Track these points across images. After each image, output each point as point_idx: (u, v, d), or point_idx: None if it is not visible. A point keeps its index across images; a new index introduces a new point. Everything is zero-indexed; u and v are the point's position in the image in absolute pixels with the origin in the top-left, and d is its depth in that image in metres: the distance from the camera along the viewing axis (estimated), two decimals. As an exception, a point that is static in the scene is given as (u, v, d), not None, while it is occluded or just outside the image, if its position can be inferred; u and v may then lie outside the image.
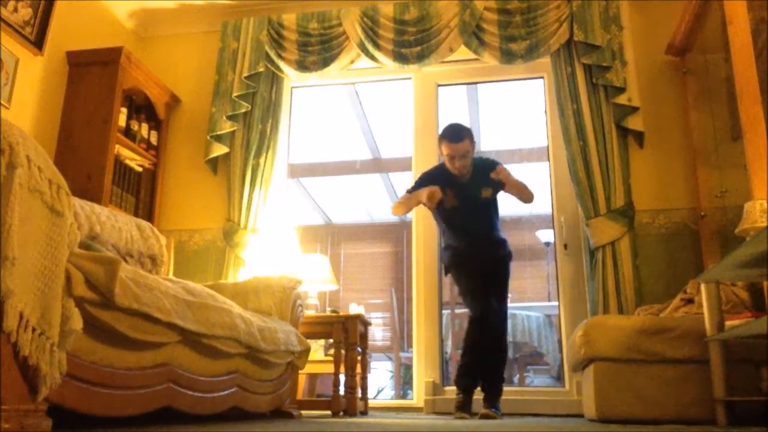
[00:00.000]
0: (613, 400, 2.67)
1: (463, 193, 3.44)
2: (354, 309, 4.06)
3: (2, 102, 3.37)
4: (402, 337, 6.25)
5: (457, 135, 3.32)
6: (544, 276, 7.84)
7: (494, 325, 3.34)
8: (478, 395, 3.37)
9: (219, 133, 4.20)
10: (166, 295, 1.86)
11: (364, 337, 3.77)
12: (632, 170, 3.81)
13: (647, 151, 3.86)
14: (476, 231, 3.49)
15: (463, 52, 4.11)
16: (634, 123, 3.78)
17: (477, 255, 3.45)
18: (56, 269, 1.43)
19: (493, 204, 3.51)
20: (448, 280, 5.54)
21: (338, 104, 5.74)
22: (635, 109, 3.77)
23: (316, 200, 7.98)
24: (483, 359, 3.36)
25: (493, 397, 3.33)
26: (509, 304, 6.60)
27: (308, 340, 3.15)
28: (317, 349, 3.81)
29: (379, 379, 6.56)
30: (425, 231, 4.19)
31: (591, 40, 3.86)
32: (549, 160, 4.19)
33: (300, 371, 3.25)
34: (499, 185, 3.37)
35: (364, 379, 3.73)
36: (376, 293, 7.32)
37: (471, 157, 3.39)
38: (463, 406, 3.29)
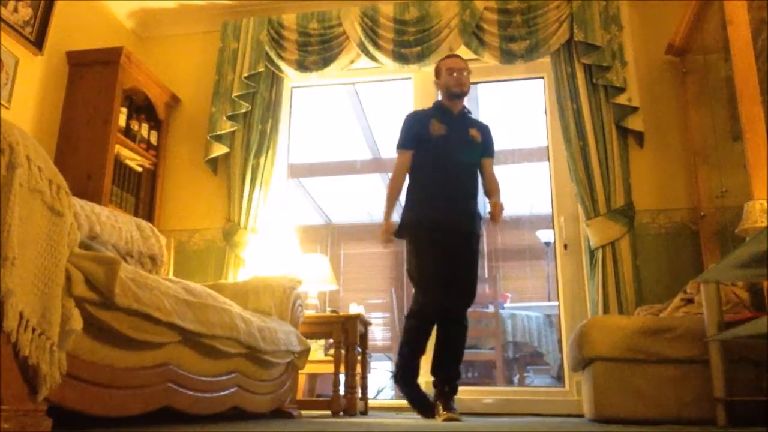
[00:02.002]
0: (612, 400, 2.67)
1: (452, 123, 3.27)
2: (354, 309, 4.06)
3: (2, 102, 3.37)
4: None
5: (456, 54, 3.48)
6: (544, 276, 7.83)
7: (454, 331, 3.07)
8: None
9: (219, 133, 4.20)
10: (166, 295, 1.86)
11: (364, 337, 3.78)
12: (632, 170, 3.81)
13: (647, 151, 3.86)
14: (458, 181, 3.18)
15: (463, 52, 4.09)
16: (634, 123, 3.79)
17: (453, 216, 3.12)
18: (56, 269, 1.43)
19: (478, 159, 3.30)
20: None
21: (338, 104, 5.74)
22: (635, 109, 3.77)
23: (316, 200, 7.98)
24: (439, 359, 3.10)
25: (452, 395, 3.06)
26: (509, 304, 6.63)
27: (308, 340, 3.15)
28: (317, 349, 3.81)
29: (379, 379, 6.56)
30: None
31: (591, 40, 3.86)
32: (549, 160, 4.19)
33: (300, 371, 3.25)
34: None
35: (364, 379, 3.74)
36: (376, 293, 7.31)
37: (469, 81, 3.33)
38: (429, 406, 3.04)
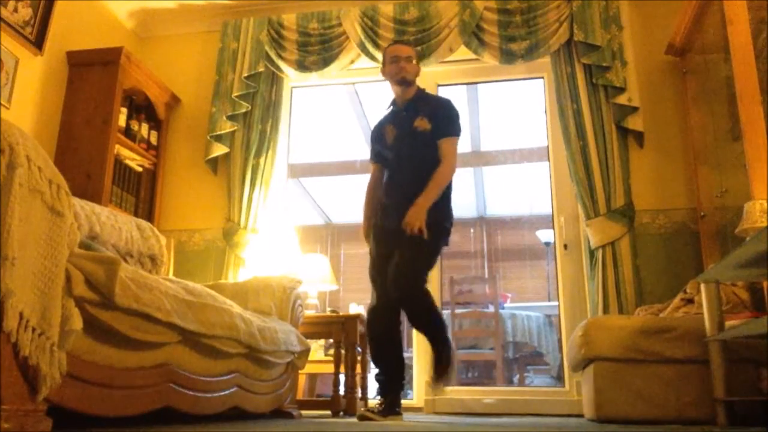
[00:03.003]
0: (613, 400, 2.67)
1: (400, 122, 3.08)
2: (354, 309, 4.07)
3: (2, 102, 3.37)
4: (402, 337, 6.23)
5: (401, 40, 3.42)
6: (544, 276, 7.83)
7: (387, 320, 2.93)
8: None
9: (219, 133, 4.20)
10: (166, 295, 1.86)
11: (364, 337, 3.77)
12: (632, 170, 3.81)
13: (647, 151, 3.86)
14: (398, 174, 3.02)
15: (463, 52, 4.11)
16: (634, 123, 3.78)
17: (387, 212, 2.98)
18: (56, 269, 1.43)
19: (431, 148, 2.96)
20: (448, 281, 5.57)
21: (338, 104, 5.74)
22: (635, 109, 3.77)
23: (316, 200, 7.98)
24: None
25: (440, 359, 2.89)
26: (509, 304, 6.62)
27: (308, 340, 3.15)
28: (317, 349, 3.81)
29: (379, 379, 6.54)
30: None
31: (591, 40, 3.86)
32: (549, 160, 4.19)
33: (300, 371, 3.26)
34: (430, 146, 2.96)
35: (364, 379, 3.74)
36: (376, 293, 7.29)
37: (414, 68, 3.08)
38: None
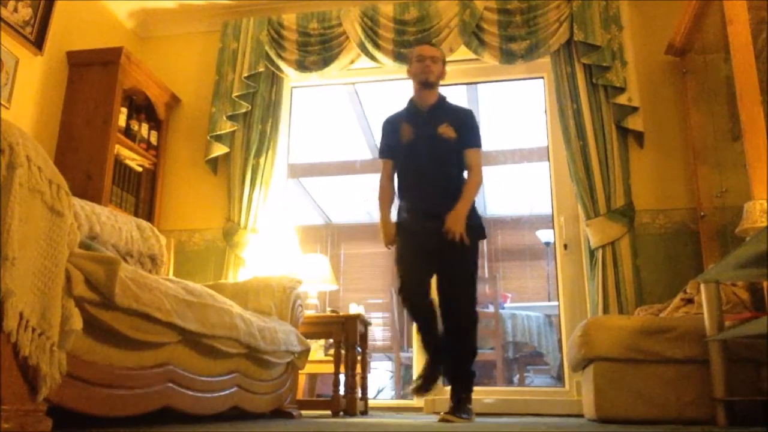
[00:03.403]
0: (613, 400, 2.67)
1: (420, 124, 3.08)
2: (354, 309, 4.06)
3: (2, 102, 3.37)
4: (402, 337, 6.24)
5: (428, 42, 3.41)
6: (544, 276, 7.83)
7: (453, 322, 2.98)
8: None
9: (219, 133, 4.20)
10: (166, 295, 1.86)
11: (364, 337, 3.78)
12: (632, 170, 3.81)
13: (647, 151, 3.86)
14: (425, 182, 3.04)
15: (463, 52, 4.11)
16: (634, 123, 3.78)
17: (419, 221, 3.01)
18: (56, 269, 1.43)
19: (455, 155, 3.06)
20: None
21: (338, 104, 5.74)
22: (635, 109, 3.77)
23: (316, 200, 7.98)
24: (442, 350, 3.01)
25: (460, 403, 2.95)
26: (510, 304, 6.62)
27: (308, 340, 3.15)
28: (317, 349, 3.81)
29: (379, 379, 6.56)
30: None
31: (591, 40, 3.86)
32: (549, 160, 4.19)
33: (300, 371, 3.25)
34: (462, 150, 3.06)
35: (364, 379, 3.74)
36: (376, 293, 7.31)
37: (439, 70, 3.12)
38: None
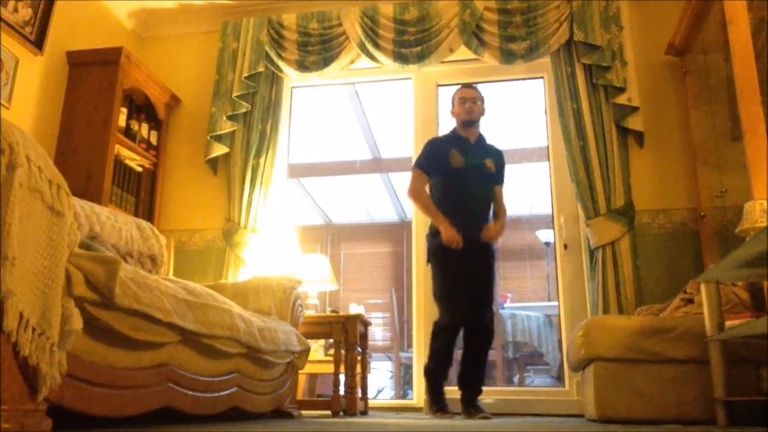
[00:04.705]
0: (613, 400, 2.67)
1: (469, 154, 3.45)
2: (354, 309, 4.06)
3: (2, 102, 3.37)
4: (402, 337, 6.25)
5: (468, 84, 3.66)
6: (544, 276, 7.83)
7: (483, 332, 3.32)
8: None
9: (219, 133, 4.20)
10: (166, 295, 1.86)
11: (364, 337, 3.78)
12: (632, 170, 3.81)
13: (647, 151, 3.86)
14: (475, 207, 3.41)
15: (463, 52, 4.11)
16: (634, 123, 3.79)
17: (471, 242, 3.28)
18: (56, 269, 1.43)
19: (492, 186, 3.51)
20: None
21: (338, 104, 5.74)
22: (635, 109, 3.77)
23: (316, 200, 7.98)
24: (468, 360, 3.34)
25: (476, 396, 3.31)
26: (510, 304, 6.62)
27: (308, 340, 3.15)
28: (317, 349, 3.81)
29: (379, 379, 6.56)
30: (425, 231, 4.18)
31: (591, 40, 3.86)
32: (549, 160, 4.19)
33: (300, 371, 3.25)
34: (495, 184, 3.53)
35: (364, 379, 3.74)
36: (376, 293, 7.32)
37: (480, 109, 3.50)
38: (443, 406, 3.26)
